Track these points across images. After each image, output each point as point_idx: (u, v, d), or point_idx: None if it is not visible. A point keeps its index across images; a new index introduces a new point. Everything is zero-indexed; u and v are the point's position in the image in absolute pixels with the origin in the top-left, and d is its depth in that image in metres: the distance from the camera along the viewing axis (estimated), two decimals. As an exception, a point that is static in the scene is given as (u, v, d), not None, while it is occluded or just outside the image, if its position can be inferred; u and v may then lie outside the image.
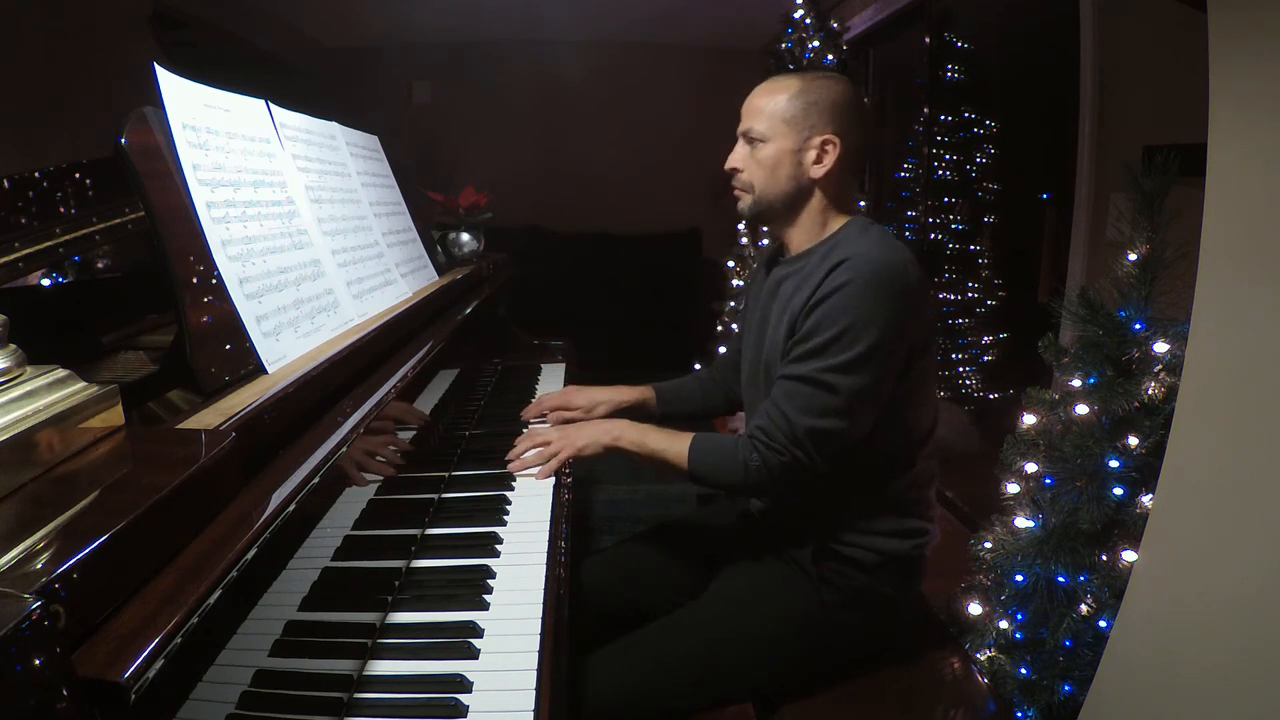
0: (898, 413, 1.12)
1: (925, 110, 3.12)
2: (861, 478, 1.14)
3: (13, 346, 0.59)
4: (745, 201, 1.20)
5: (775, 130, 1.15)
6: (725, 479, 1.15)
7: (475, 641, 0.84)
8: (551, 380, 1.85)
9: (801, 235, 1.20)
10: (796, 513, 1.22)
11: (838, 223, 1.18)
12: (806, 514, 1.20)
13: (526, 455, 1.25)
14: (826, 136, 1.13)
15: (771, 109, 1.15)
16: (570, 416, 1.43)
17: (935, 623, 1.35)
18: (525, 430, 1.45)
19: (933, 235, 3.17)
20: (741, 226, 3.67)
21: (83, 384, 0.62)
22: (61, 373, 0.60)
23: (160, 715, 0.50)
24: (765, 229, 3.45)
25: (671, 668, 1.12)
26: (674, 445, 1.18)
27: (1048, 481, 1.43)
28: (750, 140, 1.18)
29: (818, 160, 1.14)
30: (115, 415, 0.64)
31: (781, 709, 1.14)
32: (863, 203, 3.28)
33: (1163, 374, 1.29)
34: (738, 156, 1.20)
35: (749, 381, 1.29)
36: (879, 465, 1.14)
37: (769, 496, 1.25)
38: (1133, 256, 1.33)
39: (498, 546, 1.04)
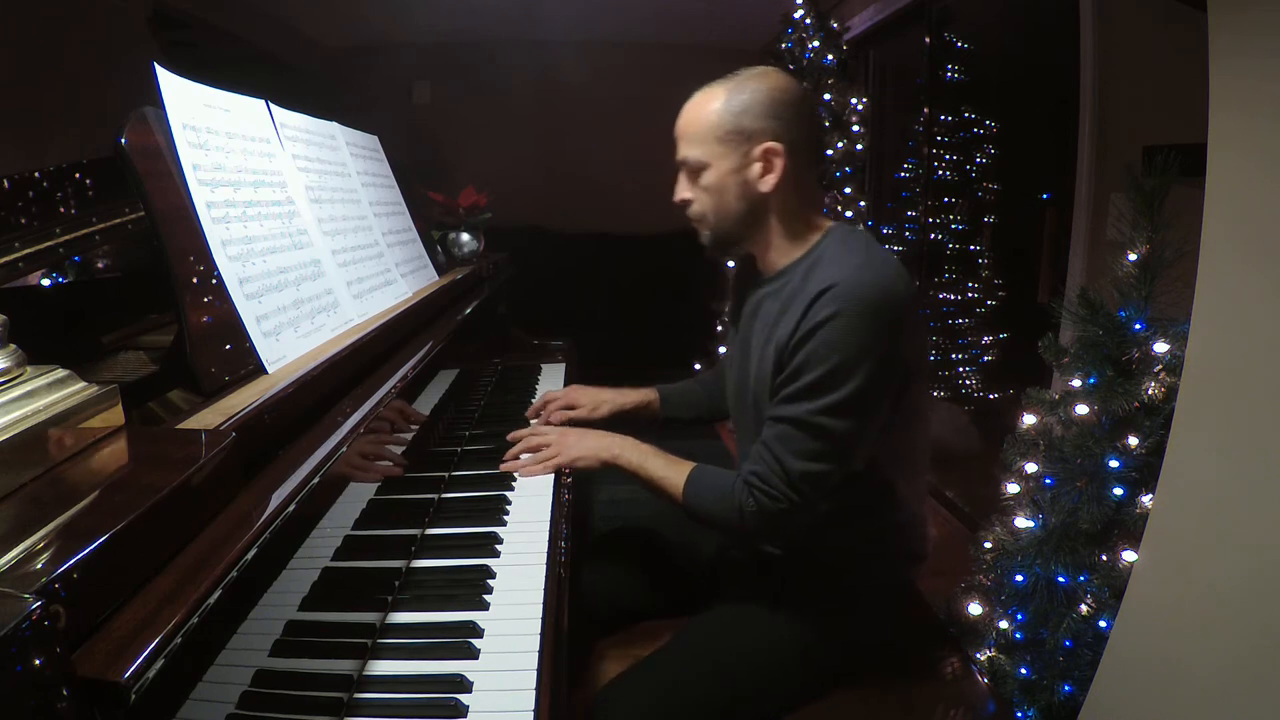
0: (891, 436, 1.07)
1: (925, 110, 3.12)
2: (853, 502, 1.10)
3: (13, 346, 0.59)
4: (704, 235, 1.14)
5: (711, 152, 1.06)
6: (720, 522, 1.10)
7: (475, 641, 0.84)
8: (552, 380, 1.85)
9: (775, 253, 1.13)
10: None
11: (814, 234, 1.11)
12: (800, 541, 1.17)
13: (522, 458, 1.25)
14: (767, 145, 1.04)
15: (701, 130, 1.07)
16: (574, 415, 1.41)
17: (935, 623, 1.35)
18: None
19: (933, 235, 3.17)
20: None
21: (83, 384, 0.61)
22: (61, 373, 0.60)
23: (160, 715, 0.50)
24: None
25: (679, 696, 1.08)
26: (672, 475, 1.13)
27: (1048, 481, 1.43)
28: (690, 169, 1.10)
29: (764, 173, 1.06)
30: (115, 415, 0.64)
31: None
32: (862, 203, 3.28)
33: (1163, 374, 1.29)
34: (682, 188, 1.12)
35: (735, 402, 1.25)
36: (870, 489, 1.11)
37: (764, 542, 1.20)
38: (1133, 256, 1.33)
39: (498, 546, 1.04)
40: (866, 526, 1.14)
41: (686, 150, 1.10)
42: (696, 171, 1.09)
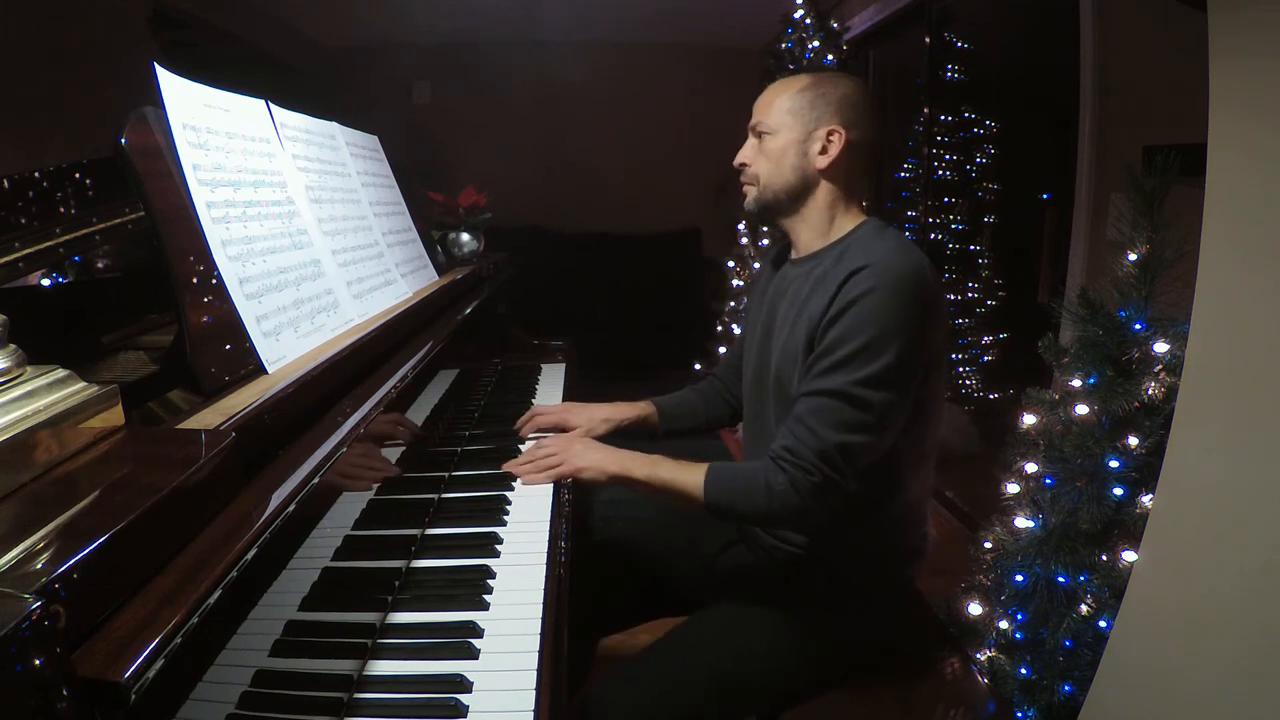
0: (907, 427, 1.08)
1: (925, 110, 3.12)
2: (861, 495, 1.09)
3: (13, 346, 0.59)
4: (751, 195, 1.19)
5: (782, 122, 1.15)
6: (747, 507, 1.08)
7: (475, 641, 0.84)
8: (551, 380, 1.85)
9: (809, 233, 1.18)
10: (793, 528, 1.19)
11: (848, 223, 1.16)
12: (803, 530, 1.17)
13: (524, 466, 1.23)
14: (832, 128, 1.12)
15: (779, 103, 1.16)
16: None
17: (935, 623, 1.35)
18: (525, 441, 1.42)
19: (933, 235, 3.17)
20: (741, 227, 3.67)
21: (83, 384, 0.61)
22: (61, 373, 0.60)
23: (160, 715, 0.50)
24: (766, 229, 3.45)
25: (678, 695, 1.08)
26: (687, 475, 1.11)
27: (1048, 481, 1.43)
28: (758, 134, 1.18)
29: (823, 151, 1.13)
30: (115, 415, 0.64)
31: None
32: (863, 203, 3.28)
33: (1163, 374, 1.29)
34: (746, 151, 1.20)
35: (752, 384, 1.26)
36: (879, 482, 1.11)
37: (794, 526, 1.18)
38: (1133, 256, 1.33)
39: (498, 546, 1.04)
40: (872, 521, 1.14)
41: (760, 116, 1.18)
42: (763, 137, 1.17)
